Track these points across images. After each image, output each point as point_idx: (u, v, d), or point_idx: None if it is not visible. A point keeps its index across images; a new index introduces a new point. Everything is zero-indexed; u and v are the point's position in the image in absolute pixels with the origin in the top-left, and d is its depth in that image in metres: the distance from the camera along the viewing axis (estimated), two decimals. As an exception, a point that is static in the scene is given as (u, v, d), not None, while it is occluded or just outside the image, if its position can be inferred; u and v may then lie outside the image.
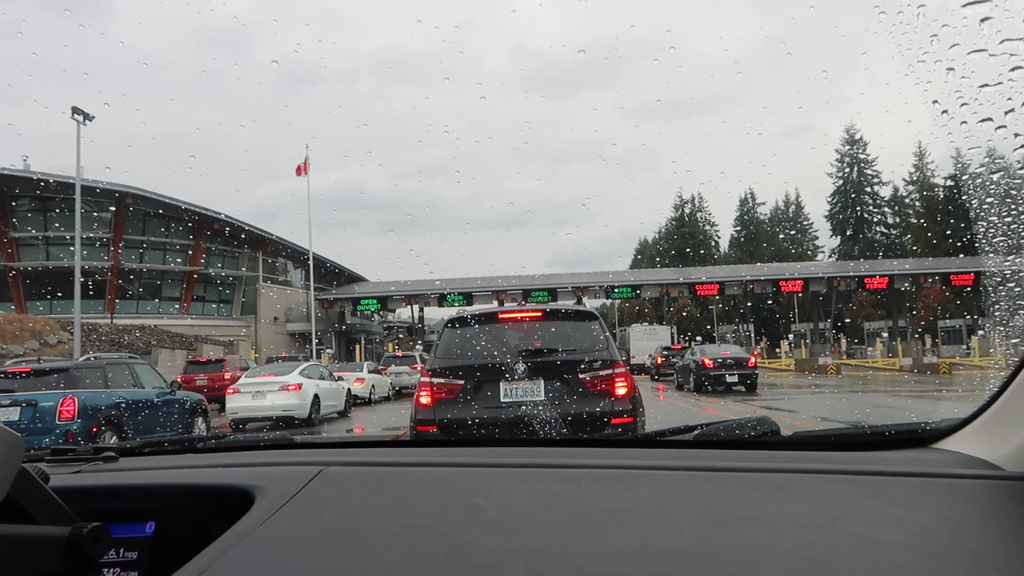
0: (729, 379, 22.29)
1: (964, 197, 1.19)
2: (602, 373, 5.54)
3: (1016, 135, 1.08)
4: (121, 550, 1.28)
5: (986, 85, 1.06)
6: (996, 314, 1.29)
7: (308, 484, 1.23)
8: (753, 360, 23.79)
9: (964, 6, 1.03)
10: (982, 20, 1.03)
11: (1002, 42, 1.04)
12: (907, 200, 73.98)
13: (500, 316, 6.24)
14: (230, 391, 16.87)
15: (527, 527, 1.05)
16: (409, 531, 1.06)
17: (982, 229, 1.17)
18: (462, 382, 5.54)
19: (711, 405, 18.22)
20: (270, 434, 1.91)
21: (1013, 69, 1.02)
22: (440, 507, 1.15)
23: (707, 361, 22.91)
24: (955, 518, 1.02)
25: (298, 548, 1.01)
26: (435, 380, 5.61)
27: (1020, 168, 1.12)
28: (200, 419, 13.25)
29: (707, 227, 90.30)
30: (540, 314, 6.28)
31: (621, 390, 5.52)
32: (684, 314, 66.29)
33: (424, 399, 5.59)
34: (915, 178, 71.33)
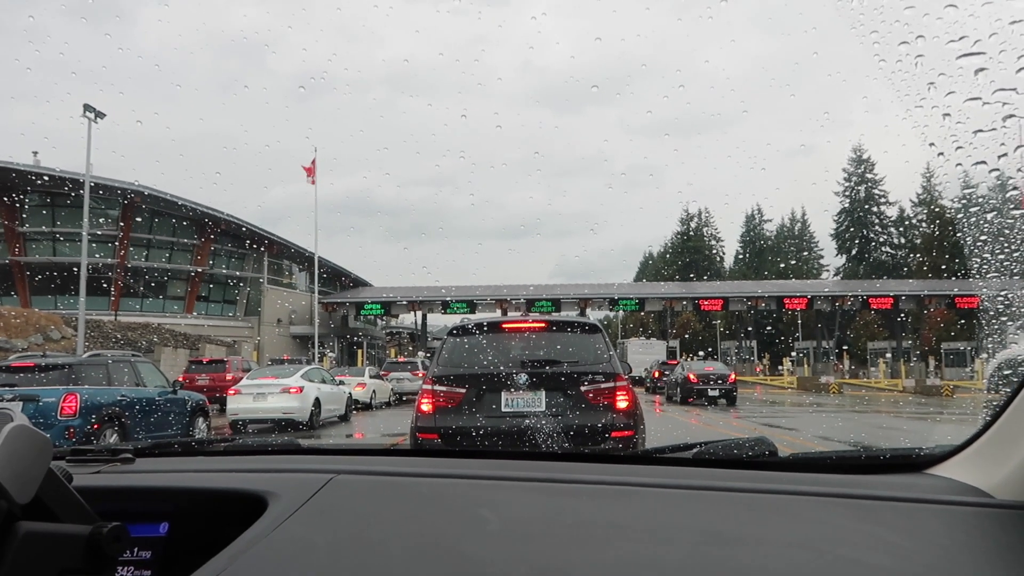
0: (711, 392, 24.28)
1: (959, 234, 1.24)
2: (604, 386, 5.53)
3: (1009, 179, 1.12)
4: (136, 549, 1.32)
5: (980, 131, 1.11)
6: (989, 346, 1.33)
7: (319, 492, 1.27)
8: (733, 376, 25.79)
9: (959, 57, 1.08)
10: (977, 71, 1.08)
11: (995, 92, 1.09)
12: (914, 220, 73.86)
13: (503, 326, 6.24)
14: (231, 392, 16.80)
15: (528, 539, 1.08)
16: (416, 541, 1.09)
17: (976, 264, 1.22)
18: (464, 391, 5.55)
19: (706, 420, 18.25)
20: (279, 438, 1.95)
21: (1006, 117, 1.07)
22: (445, 518, 1.19)
23: (692, 376, 25.00)
24: (943, 544, 1.04)
25: (309, 554, 1.05)
26: (437, 388, 5.62)
27: (1013, 208, 1.17)
28: (201, 419, 13.22)
29: (713, 242, 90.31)
30: (543, 325, 6.28)
31: (622, 403, 5.50)
32: (687, 330, 66.05)
33: (425, 406, 5.59)
34: (923, 199, 71.24)
